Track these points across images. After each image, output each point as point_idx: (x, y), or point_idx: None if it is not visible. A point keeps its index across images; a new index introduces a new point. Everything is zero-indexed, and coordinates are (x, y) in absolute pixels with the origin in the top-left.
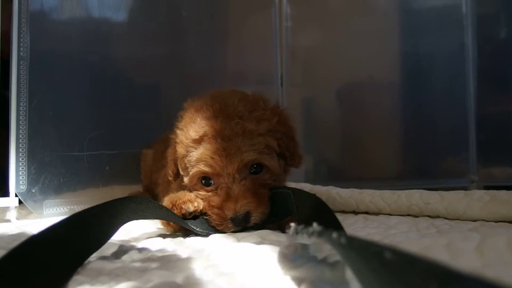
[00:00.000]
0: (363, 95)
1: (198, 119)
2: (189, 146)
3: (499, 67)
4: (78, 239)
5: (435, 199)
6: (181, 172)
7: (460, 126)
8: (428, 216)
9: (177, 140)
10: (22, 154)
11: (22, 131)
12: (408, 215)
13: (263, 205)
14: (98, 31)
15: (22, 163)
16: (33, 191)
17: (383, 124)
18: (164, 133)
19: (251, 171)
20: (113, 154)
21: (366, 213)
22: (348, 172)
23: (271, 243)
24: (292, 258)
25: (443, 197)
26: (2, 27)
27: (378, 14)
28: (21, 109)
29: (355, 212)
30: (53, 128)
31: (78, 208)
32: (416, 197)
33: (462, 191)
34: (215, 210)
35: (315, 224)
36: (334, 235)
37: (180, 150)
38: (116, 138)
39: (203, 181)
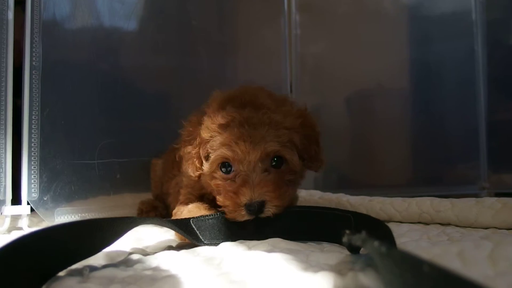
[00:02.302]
0: (373, 102)
1: (227, 106)
2: (214, 131)
3: (509, 74)
4: (69, 246)
5: (446, 207)
6: (203, 161)
7: (471, 132)
8: (439, 223)
9: (202, 126)
10: (34, 163)
11: (34, 140)
12: (419, 222)
13: (282, 200)
14: (109, 41)
15: (34, 171)
16: (45, 199)
17: (393, 131)
18: (173, 144)
19: (272, 164)
20: (123, 162)
21: None
22: (358, 179)
23: (282, 251)
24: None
25: (454, 205)
26: (15, 36)
27: (387, 21)
28: (33, 118)
29: None
30: (65, 137)
31: (89, 216)
32: (427, 204)
33: (473, 199)
34: (230, 194)
35: (363, 232)
36: (376, 243)
37: (205, 134)
38: (127, 147)
39: (222, 169)
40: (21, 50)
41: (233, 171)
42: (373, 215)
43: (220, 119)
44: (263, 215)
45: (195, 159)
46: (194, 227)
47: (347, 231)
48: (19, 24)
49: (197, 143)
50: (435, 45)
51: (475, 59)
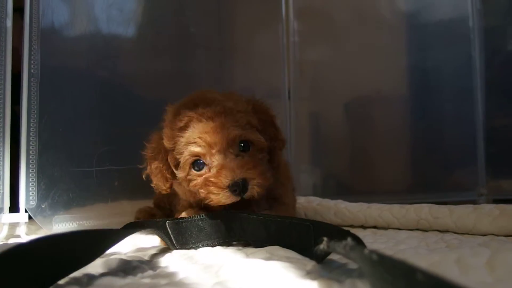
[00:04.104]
0: (371, 109)
1: (181, 111)
2: (176, 136)
3: (507, 80)
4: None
5: (444, 213)
6: (174, 171)
7: (469, 139)
8: (437, 230)
9: (164, 137)
10: (32, 170)
11: (33, 147)
12: (417, 229)
13: (263, 178)
14: (107, 47)
15: (32, 179)
16: (43, 206)
17: (391, 138)
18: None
19: (240, 150)
20: (122, 170)
21: (375, 227)
22: (357, 186)
23: (280, 259)
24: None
25: (452, 211)
26: (13, 43)
27: (385, 29)
28: (31, 125)
29: (364, 227)
30: (63, 144)
31: (87, 224)
32: (425, 211)
33: (471, 205)
34: (211, 180)
35: (349, 239)
36: (366, 251)
37: (167, 143)
38: (125, 154)
39: (195, 168)
40: (20, 57)
41: (206, 166)
42: (371, 221)
43: (178, 123)
44: (248, 194)
45: (164, 171)
46: (169, 230)
47: (325, 238)
48: (17, 31)
49: (163, 155)
50: (433, 51)
51: (473, 66)
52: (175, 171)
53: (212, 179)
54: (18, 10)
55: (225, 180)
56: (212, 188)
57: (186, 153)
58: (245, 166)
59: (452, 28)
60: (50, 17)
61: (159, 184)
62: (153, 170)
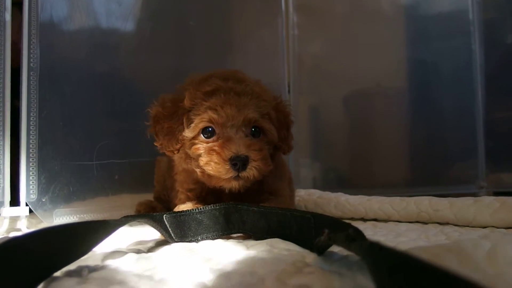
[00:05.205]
0: (371, 102)
1: (211, 78)
2: (199, 98)
3: (507, 73)
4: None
5: (444, 206)
6: (185, 128)
7: (469, 132)
8: (437, 223)
9: (186, 97)
10: (32, 164)
11: (33, 141)
12: (417, 222)
13: (264, 163)
14: (106, 42)
15: (32, 173)
16: (43, 200)
17: (391, 131)
18: None
19: (251, 133)
20: (122, 163)
21: (375, 220)
22: (357, 179)
23: (280, 251)
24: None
25: (452, 204)
26: (12, 38)
27: (385, 21)
28: (31, 119)
29: (364, 219)
30: (63, 138)
31: (87, 217)
32: (425, 203)
33: (471, 198)
34: (216, 149)
35: (350, 231)
36: (367, 242)
37: (188, 103)
38: (125, 147)
39: (204, 135)
40: (19, 52)
41: (215, 134)
42: (371, 214)
43: (206, 87)
44: (245, 174)
45: (177, 132)
46: (166, 223)
47: (326, 230)
48: (16, 25)
49: (180, 116)
50: (433, 44)
51: (473, 58)
52: (186, 130)
53: (216, 148)
54: (17, 4)
55: (228, 152)
56: (214, 157)
57: (203, 115)
58: (252, 146)
59: (452, 21)
60: (49, 11)
61: (167, 144)
62: (164, 130)
